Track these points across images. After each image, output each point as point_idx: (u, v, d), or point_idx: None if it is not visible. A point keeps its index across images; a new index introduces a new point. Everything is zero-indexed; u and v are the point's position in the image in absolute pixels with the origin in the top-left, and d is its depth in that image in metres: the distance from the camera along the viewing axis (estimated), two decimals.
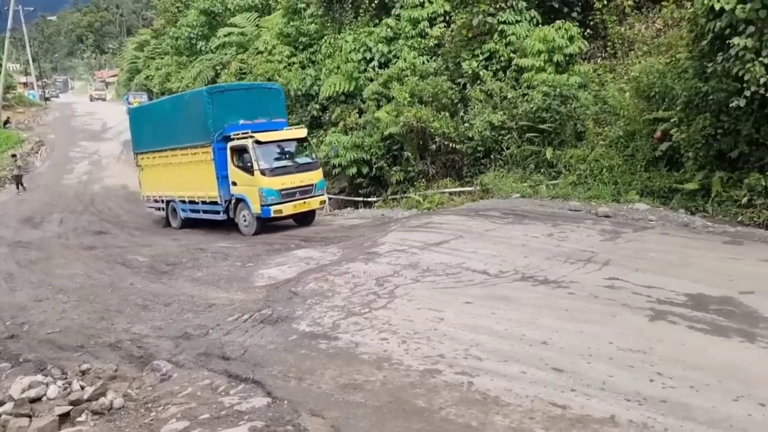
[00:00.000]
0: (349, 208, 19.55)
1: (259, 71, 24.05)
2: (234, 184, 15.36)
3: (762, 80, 8.96)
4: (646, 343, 5.76)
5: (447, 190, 16.55)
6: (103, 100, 67.90)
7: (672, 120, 11.94)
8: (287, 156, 15.73)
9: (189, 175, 16.70)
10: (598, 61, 16.41)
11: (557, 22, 15.93)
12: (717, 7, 9.39)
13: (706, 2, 9.78)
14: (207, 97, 15.65)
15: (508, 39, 16.44)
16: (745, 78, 9.12)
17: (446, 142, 16.63)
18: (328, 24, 23.82)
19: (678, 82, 12.28)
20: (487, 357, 5.82)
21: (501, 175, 15.26)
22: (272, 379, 5.93)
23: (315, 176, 15.80)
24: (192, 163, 16.51)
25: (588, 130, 14.37)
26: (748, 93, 9.18)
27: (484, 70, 16.65)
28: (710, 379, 5.00)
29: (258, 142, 14.74)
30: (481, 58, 17.00)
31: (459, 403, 5.00)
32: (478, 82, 16.78)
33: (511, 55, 16.39)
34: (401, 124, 17.33)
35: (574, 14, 16.59)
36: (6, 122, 40.40)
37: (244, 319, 7.90)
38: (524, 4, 16.48)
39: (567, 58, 15.65)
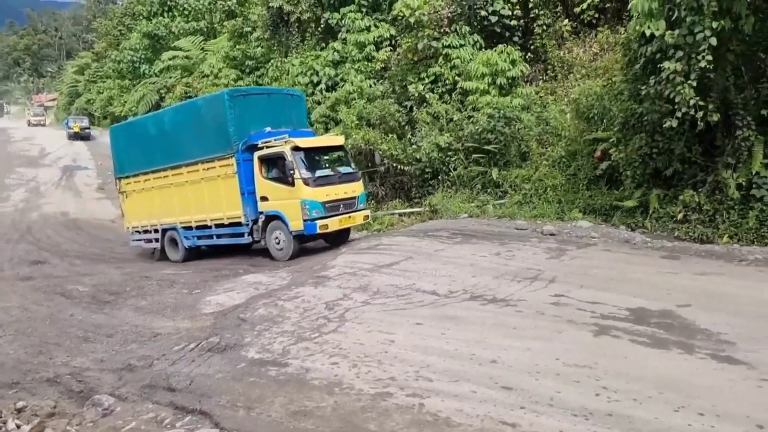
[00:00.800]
0: None
1: (205, 94, 23.80)
2: (264, 199, 13.29)
3: (691, 102, 9.42)
4: (591, 357, 5.89)
5: (396, 211, 16.67)
6: (43, 125, 63.89)
7: (611, 140, 12.40)
8: (327, 165, 14.03)
9: (199, 195, 14.55)
10: (540, 83, 16.94)
11: (499, 46, 16.40)
12: (648, 33, 9.85)
13: (637, 28, 10.25)
14: (228, 100, 13.49)
15: (452, 62, 16.81)
16: (676, 100, 9.58)
17: (394, 164, 16.78)
18: (275, 47, 23.86)
19: (615, 104, 12.80)
20: (438, 378, 5.84)
21: (449, 195, 15.48)
22: (220, 409, 5.77)
23: (357, 188, 13.91)
24: (204, 180, 14.33)
25: (532, 151, 14.77)
26: (679, 114, 9.63)
27: (430, 93, 16.96)
28: (652, 391, 5.15)
29: (297, 149, 12.86)
30: (426, 81, 17.31)
31: (410, 425, 4.98)
32: (425, 104, 17.07)
33: (456, 78, 16.75)
34: (349, 146, 17.40)
35: (516, 39, 17.12)
36: None
37: (190, 348, 7.69)
38: (467, 28, 16.91)
39: (510, 81, 16.10)
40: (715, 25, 8.88)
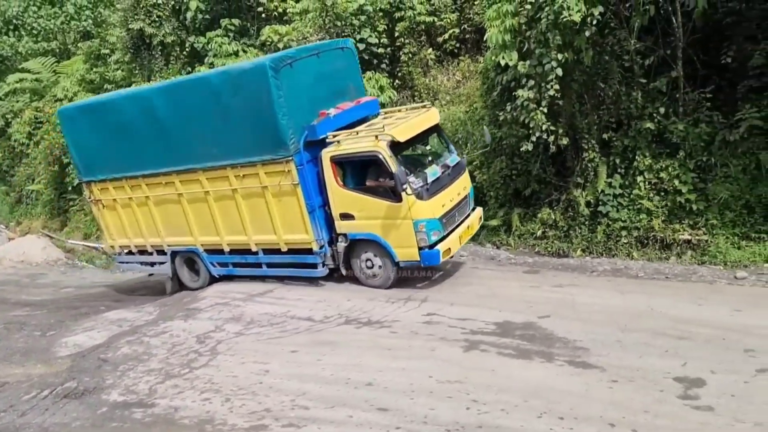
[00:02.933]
0: None
1: (58, 120, 22.14)
2: (347, 217, 9.44)
3: (543, 127, 10.17)
4: (462, 373, 6.11)
5: None
6: None
7: (474, 163, 13.06)
8: (430, 158, 10.19)
9: (231, 212, 10.39)
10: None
11: (368, 73, 16.77)
12: (503, 63, 10.54)
13: (493, 58, 10.94)
14: (272, 76, 9.05)
15: None
16: (530, 125, 10.29)
17: None
18: (137, 71, 22.73)
19: (477, 129, 13.50)
20: (314, 405, 5.78)
21: None
22: None
23: (467, 182, 10.40)
24: (242, 195, 10.11)
25: None
26: (533, 138, 10.34)
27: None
28: (518, 400, 5.42)
29: (396, 144, 8.96)
30: None
31: None
32: None
33: None
34: None
35: (384, 66, 17.61)
36: None
37: (43, 396, 7.05)
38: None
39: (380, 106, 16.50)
40: (560, 57, 9.68)
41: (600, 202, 10.53)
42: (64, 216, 23.32)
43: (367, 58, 17.32)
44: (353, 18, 16.86)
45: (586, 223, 10.80)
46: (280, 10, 18.68)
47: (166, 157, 10.72)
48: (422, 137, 9.99)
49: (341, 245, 9.62)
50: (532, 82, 10.16)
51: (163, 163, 10.79)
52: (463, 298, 8.66)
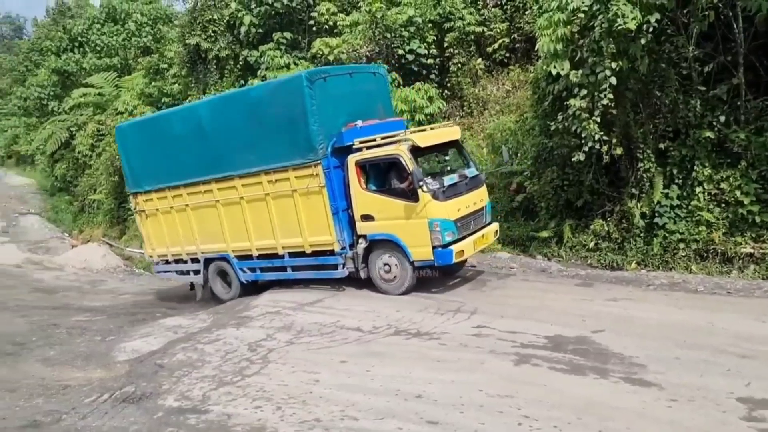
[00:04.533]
0: None
1: (116, 136, 23.02)
2: (367, 218, 10.03)
3: (596, 137, 9.98)
4: (513, 387, 6.02)
5: None
6: None
7: (525, 173, 12.92)
8: (449, 168, 11.07)
9: (262, 216, 11.06)
10: (457, 119, 17.47)
11: (417, 83, 16.84)
12: (554, 72, 10.41)
13: (545, 68, 10.82)
14: (307, 87, 9.92)
15: None
16: (582, 135, 10.12)
17: None
18: (192, 84, 23.46)
19: (527, 139, 13.37)
20: (364, 416, 5.78)
21: None
22: None
23: (484, 195, 10.85)
24: (273, 197, 10.79)
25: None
26: (586, 148, 10.16)
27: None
28: (571, 417, 5.30)
29: (416, 149, 9.67)
30: None
31: None
32: None
33: None
34: None
35: (432, 76, 17.65)
36: None
37: (103, 400, 7.27)
38: (386, 66, 17.30)
39: (428, 117, 16.52)
40: (614, 65, 9.50)
41: (656, 214, 10.26)
42: (123, 225, 24.21)
43: (416, 69, 17.43)
44: (402, 29, 16.99)
45: (642, 235, 10.54)
46: (331, 23, 18.96)
47: (206, 166, 11.51)
48: (442, 148, 10.80)
49: (361, 246, 10.12)
50: (584, 92, 10.00)
51: (203, 172, 11.60)
52: (513, 311, 8.54)
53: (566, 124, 10.46)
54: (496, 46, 17.24)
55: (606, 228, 11.00)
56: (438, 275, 10.38)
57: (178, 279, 13.73)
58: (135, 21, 33.26)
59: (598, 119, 9.90)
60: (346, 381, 6.69)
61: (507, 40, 17.18)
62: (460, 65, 17.39)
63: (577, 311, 8.30)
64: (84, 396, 7.54)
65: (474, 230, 10.21)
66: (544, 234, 12.07)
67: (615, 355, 6.61)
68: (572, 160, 10.64)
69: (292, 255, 10.99)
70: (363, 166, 10.01)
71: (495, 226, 11.04)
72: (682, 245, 9.95)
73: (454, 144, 10.97)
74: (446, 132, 10.80)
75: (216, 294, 12.50)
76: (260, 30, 20.99)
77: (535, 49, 11.78)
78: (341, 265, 10.37)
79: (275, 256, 11.16)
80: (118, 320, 12.17)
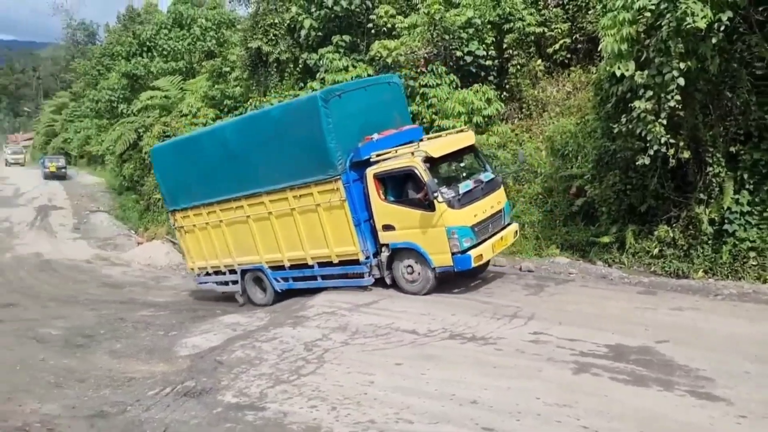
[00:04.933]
0: None
1: (183, 134, 23.77)
2: (388, 228, 10.46)
3: (662, 140, 9.63)
4: (572, 396, 5.87)
5: None
6: (21, 164, 60.01)
7: (585, 177, 12.60)
8: (464, 174, 11.15)
9: (291, 230, 11.59)
10: (515, 121, 17.22)
11: (475, 85, 16.70)
12: (618, 73, 10.11)
13: (608, 69, 10.52)
14: (322, 107, 10.37)
15: (429, 101, 17.04)
16: (648, 138, 9.78)
17: None
18: (253, 87, 24.00)
19: (588, 141, 13.03)
20: (419, 419, 5.77)
21: None
22: None
23: (502, 197, 11.13)
24: (297, 211, 11.31)
25: (508, 188, 14.92)
26: (651, 152, 9.82)
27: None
28: (633, 430, 5.14)
29: (430, 159, 10.01)
30: None
31: None
32: None
33: (433, 116, 16.95)
34: None
35: (491, 78, 17.46)
36: None
37: (165, 393, 7.52)
38: (444, 68, 17.22)
39: (486, 119, 16.35)
40: (682, 65, 9.14)
41: (725, 220, 9.83)
42: None
43: (474, 70, 17.29)
44: (461, 31, 16.89)
45: (709, 242, 10.12)
46: (389, 25, 19.01)
47: (236, 184, 12.15)
48: (457, 155, 10.98)
49: (384, 255, 10.61)
50: (650, 93, 9.67)
51: (234, 189, 12.25)
52: (572, 318, 8.35)
53: (630, 126, 10.14)
54: (556, 46, 16.91)
55: (671, 234, 10.60)
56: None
57: (217, 289, 14.22)
58: (200, 26, 34.32)
59: (665, 121, 9.56)
60: (401, 383, 6.68)
61: (568, 40, 16.82)
62: (519, 66, 17.14)
63: (640, 320, 8.04)
64: (148, 388, 7.82)
65: (492, 233, 10.50)
66: (605, 239, 11.75)
67: (680, 367, 6.36)
68: (636, 163, 10.32)
69: (321, 265, 11.46)
70: (381, 179, 10.40)
71: (514, 226, 11.29)
72: (753, 254, 9.50)
73: (470, 149, 11.23)
74: (460, 138, 11.10)
75: (253, 301, 13.03)
76: (320, 33, 21.27)
77: (598, 49, 11.50)
78: (367, 273, 10.84)
79: (305, 266, 11.67)
80: (180, 316, 12.56)
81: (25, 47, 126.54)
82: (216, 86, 26.44)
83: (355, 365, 7.45)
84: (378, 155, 10.44)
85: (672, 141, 9.72)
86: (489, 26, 17.25)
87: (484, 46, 17.10)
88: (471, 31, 16.99)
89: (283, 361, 8.00)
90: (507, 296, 9.85)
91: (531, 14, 17.19)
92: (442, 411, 5.87)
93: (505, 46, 17.20)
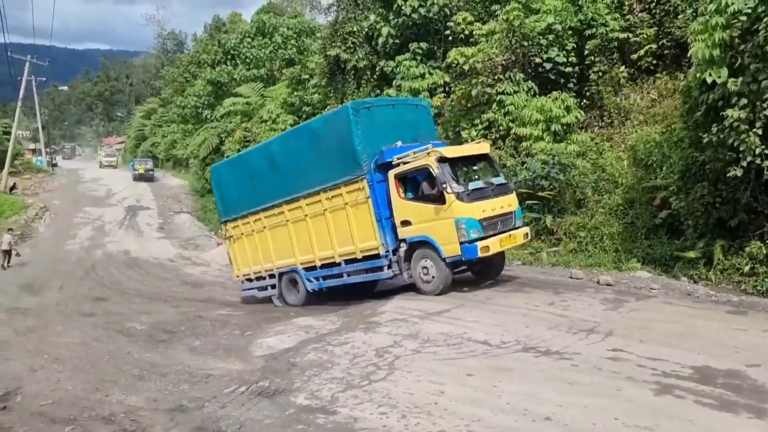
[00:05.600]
0: None
1: (263, 139, 24.55)
2: (406, 224, 11.49)
3: (757, 150, 9.10)
4: (653, 418, 5.60)
5: None
6: (114, 166, 62.56)
7: (670, 188, 12.07)
8: (476, 177, 12.25)
9: (322, 229, 12.77)
10: (595, 130, 16.74)
11: (554, 92, 16.36)
12: (709, 80, 9.65)
13: (698, 75, 10.06)
14: (353, 115, 11.75)
15: (506, 109, 16.84)
16: (741, 148, 9.28)
17: None
18: (331, 94, 24.50)
19: (675, 151, 12.48)
20: None
21: None
22: None
23: (513, 202, 11.99)
24: (329, 211, 12.54)
25: (587, 198, 14.50)
26: (744, 163, 9.31)
27: (484, 139, 16.96)
28: None
29: (443, 159, 11.14)
30: (480, 127, 17.35)
31: None
32: None
33: (510, 124, 16.73)
34: None
35: (571, 85, 17.05)
36: (12, 188, 40.87)
37: (241, 391, 7.72)
38: (522, 75, 16.96)
39: (564, 127, 15.98)
40: None
41: None
42: None
43: (553, 77, 16.94)
44: (541, 37, 16.61)
45: None
46: (467, 32, 18.94)
47: (279, 191, 13.51)
48: (469, 160, 12.21)
49: (402, 249, 11.66)
50: (744, 101, 9.18)
51: (276, 197, 13.61)
52: (654, 336, 7.98)
53: (721, 136, 9.65)
54: (641, 52, 16.34)
55: (765, 251, 9.99)
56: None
57: (258, 295, 15.20)
58: (281, 34, 35.39)
59: (760, 131, 9.04)
60: (472, 395, 6.58)
61: (654, 46, 16.22)
62: (601, 73, 16.67)
63: (729, 341, 7.59)
64: (224, 386, 8.05)
65: (501, 231, 11.30)
66: (691, 254, 11.19)
67: None
68: (727, 175, 9.80)
69: (347, 262, 12.55)
70: (401, 179, 11.56)
71: (525, 230, 12.03)
72: None
73: (485, 157, 12.42)
74: (474, 147, 12.60)
75: (287, 302, 14.17)
76: (397, 41, 21.46)
77: (687, 55, 11.01)
78: (386, 267, 11.82)
79: (333, 264, 12.82)
80: (255, 316, 12.90)
81: (119, 56, 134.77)
82: (295, 93, 27.18)
83: (425, 374, 7.40)
84: (399, 158, 11.50)
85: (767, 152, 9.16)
86: (570, 32, 16.87)
87: (564, 52, 16.74)
88: (551, 37, 16.67)
89: (355, 366, 8.05)
90: (584, 310, 9.55)
91: (615, 19, 16.70)
92: (514, 426, 5.74)
93: (586, 52, 16.78)
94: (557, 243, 14.34)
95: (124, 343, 11.65)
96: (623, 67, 16.74)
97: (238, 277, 15.67)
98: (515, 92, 16.91)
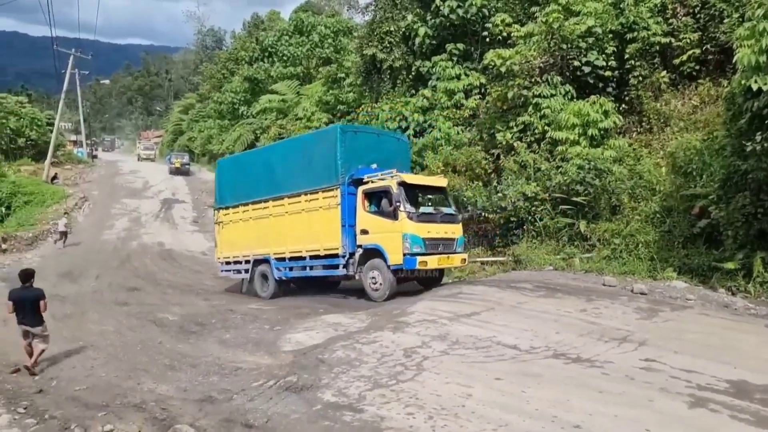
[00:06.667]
0: None
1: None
2: (364, 233, 13.42)
3: None
4: (686, 431, 5.48)
5: (478, 259, 16.45)
6: (152, 160, 63.22)
7: (710, 197, 11.79)
8: (429, 204, 14.23)
9: (297, 226, 14.81)
10: (634, 135, 16.44)
11: (592, 96, 16.12)
12: (755, 87, 9.39)
13: (743, 82, 9.79)
14: (340, 134, 13.80)
15: (542, 112, 16.66)
16: None
17: (479, 211, 16.66)
18: (366, 93, 24.56)
19: (716, 160, 12.19)
20: None
21: (533, 246, 15.14)
22: None
23: (457, 230, 13.89)
24: (305, 211, 14.59)
25: (623, 204, 14.25)
26: None
27: (519, 142, 16.82)
28: None
29: (404, 184, 13.04)
30: (515, 129, 17.21)
31: None
32: (512, 153, 16.93)
33: (546, 127, 16.55)
34: None
35: (609, 89, 16.79)
36: (54, 178, 41.97)
37: (269, 385, 7.79)
38: (559, 78, 16.76)
39: (601, 132, 15.73)
40: None
41: None
42: None
43: (591, 81, 16.71)
44: (580, 40, 16.39)
45: None
46: (505, 34, 18.80)
47: (269, 189, 15.69)
48: (425, 189, 14.21)
49: (358, 254, 13.57)
50: None
51: (266, 193, 15.78)
52: (689, 347, 7.80)
53: (766, 145, 9.37)
54: (684, 57, 16.00)
55: None
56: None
57: (232, 276, 17.75)
58: (319, 33, 35.61)
59: None
60: (500, 399, 6.52)
61: (697, 51, 15.87)
62: (641, 78, 16.38)
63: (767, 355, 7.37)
64: (252, 379, 8.14)
65: (442, 252, 13.22)
66: (730, 265, 10.91)
67: None
68: None
69: (312, 257, 14.58)
70: (368, 194, 13.53)
71: (463, 255, 13.98)
72: None
73: (442, 190, 14.47)
74: (432, 179, 15.01)
75: (257, 291, 16.25)
76: (434, 41, 21.40)
77: (732, 61, 10.71)
78: (342, 266, 13.80)
79: (300, 258, 14.88)
80: (284, 312, 13.00)
81: (160, 51, 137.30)
82: (330, 91, 27.33)
83: (453, 376, 7.36)
84: (369, 177, 13.58)
85: None
86: (610, 36, 16.63)
87: (603, 56, 16.50)
88: (591, 40, 16.45)
89: (383, 365, 8.06)
90: (616, 318, 9.39)
91: (657, 23, 16.39)
92: None
93: (626, 56, 16.51)
94: (591, 249, 14.13)
95: (157, 333, 11.86)
96: (665, 72, 16.41)
97: (219, 259, 17.90)
98: (552, 95, 16.72)
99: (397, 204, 12.67)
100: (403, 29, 22.32)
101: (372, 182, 13.46)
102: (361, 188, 13.58)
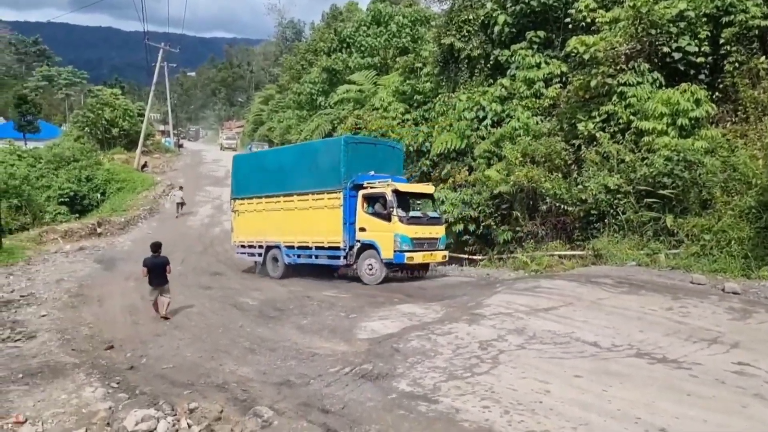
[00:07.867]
0: (453, 266, 19.38)
1: (374, 127, 24.83)
2: (362, 230, 15.91)
3: None
4: None
5: (556, 252, 16.03)
6: (234, 149, 65.52)
7: None
8: (417, 208, 16.82)
9: (305, 220, 17.17)
10: (728, 125, 15.49)
11: (683, 84, 15.30)
12: None
13: None
14: (344, 146, 16.31)
15: (627, 101, 15.97)
16: None
17: (557, 204, 16.21)
18: (443, 83, 24.33)
19: None
20: None
21: (615, 240, 14.59)
22: None
23: (440, 231, 16.42)
24: (312, 208, 17.01)
25: (715, 199, 13.48)
26: None
27: (601, 132, 16.20)
28: None
29: (396, 191, 15.53)
30: (597, 119, 16.59)
31: None
32: (594, 143, 16.34)
33: (631, 117, 15.86)
34: (511, 183, 17.15)
35: (702, 77, 15.89)
36: (144, 166, 44.23)
37: (345, 372, 7.92)
38: (647, 66, 16.02)
39: (692, 122, 14.92)
40: None
41: None
42: None
43: (682, 68, 15.89)
44: (670, 25, 15.60)
45: None
46: (589, 19, 18.14)
47: (280, 186, 18.17)
48: (416, 196, 17.06)
49: (356, 247, 16.08)
50: None
51: (278, 189, 18.28)
52: None
53: None
54: None
55: None
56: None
57: (246, 258, 20.01)
58: (396, 23, 35.56)
59: None
60: (580, 397, 6.35)
61: None
62: (737, 64, 15.40)
63: None
64: (329, 365, 8.29)
65: (426, 249, 15.78)
66: None
67: None
68: None
69: (317, 248, 17.00)
70: (366, 198, 16.02)
71: (444, 252, 16.55)
72: None
73: (429, 196, 17.19)
74: (421, 187, 17.29)
75: (269, 272, 18.40)
76: (513, 29, 20.93)
77: None
78: (342, 257, 16.20)
79: (307, 247, 17.34)
80: (359, 300, 13.16)
81: (242, 44, 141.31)
82: (407, 81, 27.24)
83: (530, 371, 7.23)
84: (368, 183, 16.04)
85: None
86: (704, 19, 15.71)
87: (696, 41, 15.63)
88: (682, 24, 15.62)
89: (458, 356, 8.01)
90: (706, 318, 8.92)
91: (757, 5, 15.34)
92: None
93: (721, 41, 15.55)
94: (678, 245, 13.46)
95: (237, 316, 12.30)
96: (764, 57, 15.33)
97: (235, 243, 20.16)
98: (638, 83, 15.99)
99: (391, 209, 15.23)
100: (482, 17, 21.92)
101: (371, 187, 15.90)
102: (361, 192, 16.02)
